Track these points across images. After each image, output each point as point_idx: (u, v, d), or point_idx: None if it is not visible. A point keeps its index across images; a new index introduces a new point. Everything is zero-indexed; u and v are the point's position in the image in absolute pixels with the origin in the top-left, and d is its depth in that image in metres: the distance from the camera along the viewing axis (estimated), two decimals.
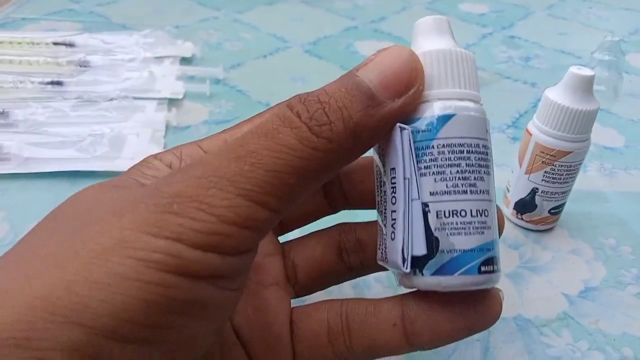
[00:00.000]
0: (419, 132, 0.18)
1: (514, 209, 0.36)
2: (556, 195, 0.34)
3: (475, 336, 0.28)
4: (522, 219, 0.36)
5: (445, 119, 0.18)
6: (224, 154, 0.17)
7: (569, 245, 0.35)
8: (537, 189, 0.34)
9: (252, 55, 0.59)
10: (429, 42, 0.19)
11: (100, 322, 0.14)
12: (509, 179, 0.36)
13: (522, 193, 0.35)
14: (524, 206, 0.35)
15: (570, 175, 0.33)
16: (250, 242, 0.17)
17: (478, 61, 0.62)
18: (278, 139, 0.17)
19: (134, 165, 0.21)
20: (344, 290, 0.30)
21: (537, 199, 0.34)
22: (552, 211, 0.35)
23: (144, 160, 0.21)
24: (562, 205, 0.35)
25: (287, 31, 0.66)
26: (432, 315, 0.19)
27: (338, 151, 0.17)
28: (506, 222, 0.37)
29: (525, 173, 0.34)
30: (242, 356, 0.21)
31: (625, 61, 0.60)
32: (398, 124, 0.18)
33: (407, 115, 0.18)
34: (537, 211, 0.35)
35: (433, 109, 0.18)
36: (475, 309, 0.19)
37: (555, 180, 0.33)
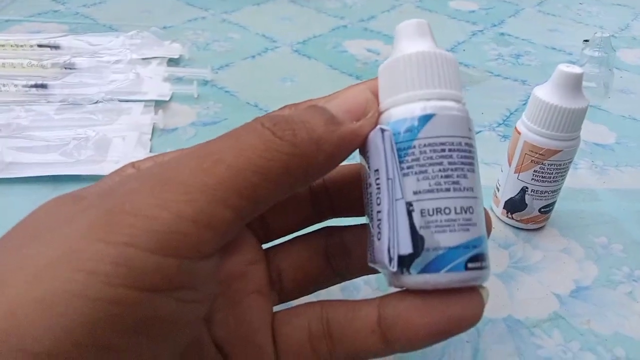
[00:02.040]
0: (400, 133, 0.18)
1: (503, 208, 0.36)
2: (546, 194, 0.34)
3: (466, 337, 0.28)
4: (512, 218, 0.35)
5: (425, 119, 0.18)
6: (186, 154, 0.17)
7: (559, 245, 0.35)
8: (527, 188, 0.34)
9: (240, 56, 0.59)
10: (410, 44, 0.20)
11: (44, 346, 0.13)
12: (499, 178, 0.36)
13: (512, 192, 0.35)
14: (514, 205, 0.35)
15: (560, 174, 0.33)
16: (212, 245, 0.16)
17: (468, 59, 0.62)
18: (241, 139, 0.17)
19: (106, 175, 0.20)
20: (333, 293, 0.30)
21: (527, 198, 0.34)
22: (542, 210, 0.34)
23: (119, 168, 0.21)
24: (553, 204, 0.35)
25: (275, 31, 0.65)
26: (408, 317, 0.18)
27: (302, 157, 0.17)
28: (496, 222, 0.36)
29: (515, 172, 0.34)
30: None
31: (616, 57, 0.60)
32: (379, 126, 0.19)
33: (364, 138, 0.19)
34: (527, 210, 0.35)
35: (414, 110, 0.19)
36: (453, 309, 0.18)
37: (544, 179, 0.33)
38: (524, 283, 0.32)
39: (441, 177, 0.18)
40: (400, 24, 0.20)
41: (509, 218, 0.36)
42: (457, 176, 0.18)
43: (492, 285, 0.31)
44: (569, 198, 0.38)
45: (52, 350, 0.13)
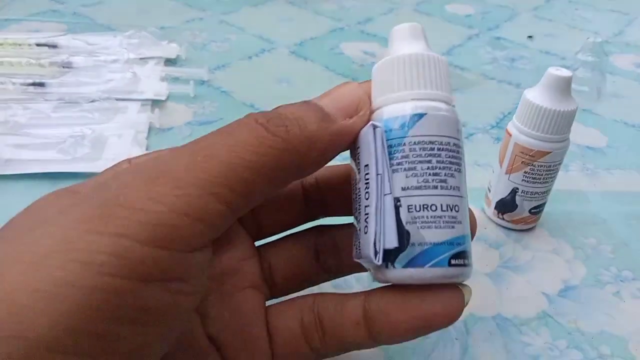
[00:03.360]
0: (391, 130, 0.19)
1: (495, 208, 0.36)
2: (536, 195, 0.34)
3: (455, 335, 0.29)
4: (503, 219, 0.36)
5: (416, 117, 0.19)
6: (179, 149, 0.17)
7: (549, 245, 0.35)
8: (518, 188, 0.34)
9: (237, 57, 0.59)
10: (404, 46, 0.20)
11: (40, 333, 0.13)
12: (490, 179, 0.36)
13: (503, 193, 0.35)
14: (505, 206, 0.35)
15: (549, 175, 0.33)
16: (204, 238, 0.16)
17: (463, 62, 0.62)
18: (234, 135, 0.17)
19: (102, 170, 0.21)
20: (325, 290, 0.30)
21: (518, 199, 0.35)
22: (532, 211, 0.35)
23: (115, 164, 0.21)
24: (543, 205, 0.35)
25: (272, 32, 0.66)
26: (389, 312, 0.19)
27: (294, 153, 0.17)
28: (488, 222, 0.37)
29: (506, 173, 0.34)
30: None
31: (608, 62, 0.60)
32: (371, 122, 0.19)
33: (356, 135, 0.20)
34: (518, 211, 0.35)
35: (405, 108, 0.19)
36: (434, 304, 0.19)
37: (535, 180, 0.33)
38: (514, 282, 0.32)
39: (429, 174, 0.19)
40: (395, 26, 0.21)
41: (500, 218, 0.36)
42: (445, 175, 0.19)
43: (482, 285, 0.32)
44: (560, 200, 0.39)
45: (47, 337, 0.13)
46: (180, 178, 0.16)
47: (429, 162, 0.19)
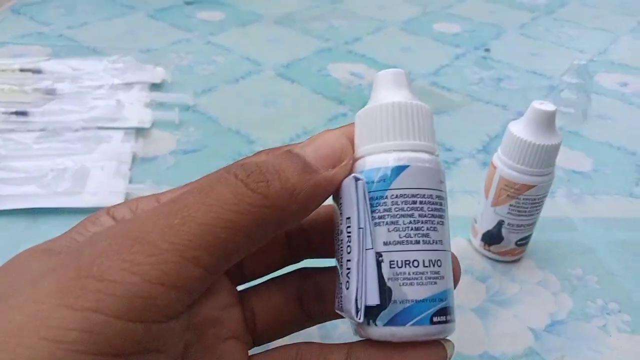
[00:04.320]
0: (373, 182, 0.19)
1: (481, 240, 0.36)
2: (522, 228, 0.34)
3: None
4: (489, 251, 0.36)
5: (399, 170, 0.19)
6: (156, 210, 0.17)
7: (536, 277, 0.35)
8: (503, 221, 0.34)
9: (223, 79, 0.59)
10: (387, 94, 0.20)
11: None
12: (477, 210, 0.36)
13: (489, 225, 0.35)
14: (491, 238, 0.35)
15: (535, 208, 0.33)
16: (180, 305, 0.16)
17: (450, 83, 0.62)
18: (212, 193, 0.17)
19: (80, 222, 0.20)
20: (310, 331, 0.30)
21: (504, 231, 0.34)
22: (518, 243, 0.35)
23: (92, 215, 0.20)
24: (529, 236, 0.35)
25: (260, 54, 0.66)
26: None
27: (274, 208, 0.17)
28: (474, 254, 0.37)
29: (492, 205, 0.34)
30: None
31: (594, 82, 0.61)
32: (353, 175, 0.19)
33: (338, 185, 0.19)
34: (504, 243, 0.35)
35: (387, 160, 0.19)
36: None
37: (520, 213, 0.33)
38: (500, 318, 0.32)
39: (411, 229, 0.18)
40: (379, 72, 0.21)
41: (487, 250, 0.36)
42: (427, 229, 0.19)
43: (468, 321, 0.32)
44: (547, 228, 0.39)
45: None
46: (155, 244, 0.15)
47: (411, 215, 0.18)
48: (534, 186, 0.32)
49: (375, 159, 0.19)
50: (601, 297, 0.34)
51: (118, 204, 0.21)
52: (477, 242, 0.36)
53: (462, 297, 0.33)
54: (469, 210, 0.38)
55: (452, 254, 0.20)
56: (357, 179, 0.19)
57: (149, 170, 0.42)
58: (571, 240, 0.39)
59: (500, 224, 0.34)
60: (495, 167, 0.33)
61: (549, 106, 0.31)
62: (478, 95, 0.59)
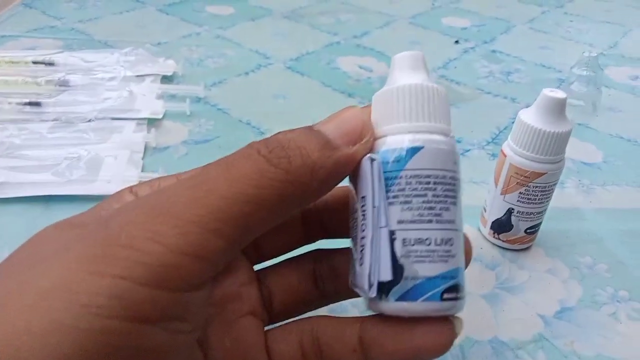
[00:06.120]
0: (388, 162, 0.19)
1: (490, 228, 0.36)
2: (532, 216, 0.34)
3: (450, 358, 0.28)
4: (499, 239, 0.36)
5: (413, 151, 0.19)
6: (180, 183, 0.17)
7: (545, 265, 0.35)
8: (513, 209, 0.34)
9: (233, 72, 0.59)
10: (404, 76, 0.20)
11: None
12: (486, 199, 0.36)
13: (498, 213, 0.35)
14: (501, 226, 0.35)
15: (545, 196, 0.33)
16: (203, 275, 0.16)
17: (459, 76, 0.62)
18: (235, 168, 0.17)
19: (105, 199, 0.21)
20: (320, 312, 0.30)
21: (513, 219, 0.35)
22: (528, 231, 0.35)
23: (117, 193, 0.21)
24: (538, 224, 0.35)
25: (269, 47, 0.66)
26: (382, 342, 0.19)
27: (295, 184, 0.17)
28: (483, 242, 0.37)
29: (501, 193, 0.34)
30: None
31: (604, 75, 0.61)
32: (369, 155, 0.19)
33: (357, 163, 0.19)
34: (514, 231, 0.35)
35: (403, 141, 0.19)
36: (425, 337, 0.19)
37: (530, 201, 0.33)
38: (510, 304, 0.32)
39: (424, 208, 0.19)
40: (397, 54, 0.21)
41: (496, 238, 0.36)
42: (440, 209, 0.19)
43: (478, 307, 0.32)
44: (556, 218, 0.39)
45: None
46: (179, 216, 0.16)
47: (425, 195, 0.19)
48: (544, 173, 0.32)
49: (391, 140, 0.19)
50: (611, 285, 0.34)
51: (140, 183, 0.22)
52: (486, 230, 0.37)
53: (472, 284, 0.33)
54: (479, 200, 0.38)
55: (465, 234, 0.20)
56: (372, 159, 0.19)
57: (161, 160, 0.43)
58: (581, 229, 0.39)
59: (509, 212, 0.34)
60: (505, 155, 0.33)
61: (559, 93, 0.31)
62: (487, 89, 0.59)
